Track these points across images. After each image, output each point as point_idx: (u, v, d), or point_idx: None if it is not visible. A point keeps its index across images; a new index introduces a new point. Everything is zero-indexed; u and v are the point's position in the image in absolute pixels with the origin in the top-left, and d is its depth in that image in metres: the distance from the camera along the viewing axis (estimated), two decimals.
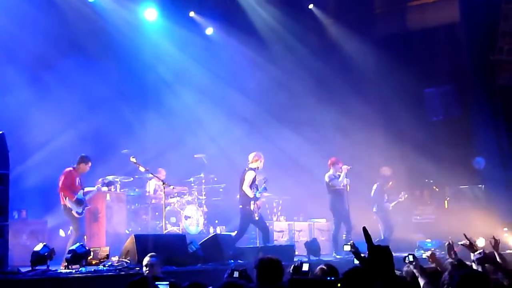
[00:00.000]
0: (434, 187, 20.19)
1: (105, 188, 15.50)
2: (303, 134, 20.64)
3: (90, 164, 14.63)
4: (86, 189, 14.68)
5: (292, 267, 7.63)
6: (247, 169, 15.22)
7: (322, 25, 22.66)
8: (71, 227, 14.89)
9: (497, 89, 19.40)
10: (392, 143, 19.65)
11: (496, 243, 8.74)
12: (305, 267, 7.53)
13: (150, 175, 16.71)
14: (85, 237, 15.05)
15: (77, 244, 12.30)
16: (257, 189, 15.16)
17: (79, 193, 14.22)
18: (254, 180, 15.12)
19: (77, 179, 14.39)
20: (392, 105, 20.63)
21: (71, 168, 14.36)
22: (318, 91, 21.06)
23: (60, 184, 14.14)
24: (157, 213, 17.41)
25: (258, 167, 15.23)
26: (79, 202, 14.15)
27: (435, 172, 19.51)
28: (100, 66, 18.38)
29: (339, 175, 16.73)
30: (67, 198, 14.03)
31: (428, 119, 20.90)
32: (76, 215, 14.10)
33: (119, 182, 17.14)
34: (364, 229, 5.73)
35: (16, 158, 12.97)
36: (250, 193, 14.93)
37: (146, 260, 10.20)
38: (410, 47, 21.44)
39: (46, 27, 17.18)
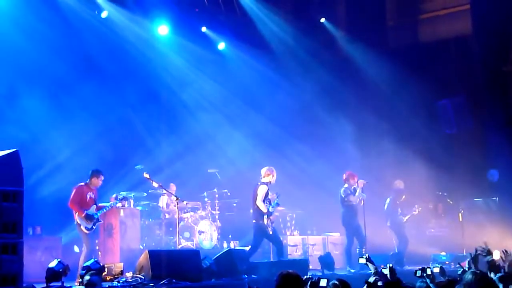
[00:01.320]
0: (448, 200, 20.10)
1: (119, 204, 15.54)
2: (316, 148, 20.63)
3: (102, 177, 14.62)
4: (101, 205, 14.70)
5: (309, 283, 7.57)
6: (259, 183, 15.21)
7: (334, 39, 22.70)
8: None
9: (510, 101, 19.33)
10: (405, 156, 19.61)
11: (506, 255, 8.76)
12: (323, 282, 7.44)
13: (163, 191, 16.75)
14: (99, 253, 15.11)
15: (92, 260, 12.31)
16: (270, 204, 15.15)
17: (90, 209, 14.23)
18: (267, 194, 15.10)
19: (89, 194, 14.38)
20: (405, 118, 20.60)
21: (82, 184, 14.38)
22: (331, 105, 21.05)
23: (69, 199, 14.20)
24: (171, 229, 17.41)
25: (270, 182, 15.21)
26: (89, 217, 14.15)
27: (449, 185, 19.45)
28: (113, 82, 18.50)
29: (355, 190, 16.69)
30: (76, 213, 14.08)
31: (442, 132, 20.85)
32: (85, 230, 14.12)
33: (133, 198, 17.17)
34: None
35: (31, 175, 13.06)
36: (263, 207, 14.92)
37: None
38: (423, 59, 21.40)
39: (59, 44, 17.33)
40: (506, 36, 19.13)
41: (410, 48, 22.06)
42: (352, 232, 16.67)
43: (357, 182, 16.73)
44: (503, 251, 8.95)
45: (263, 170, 15.32)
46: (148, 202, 17.98)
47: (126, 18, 19.26)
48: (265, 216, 14.93)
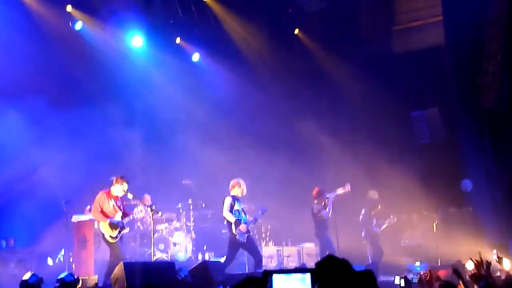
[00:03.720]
0: (422, 210, 20.19)
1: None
2: (291, 158, 20.65)
3: (124, 184, 14.40)
4: (128, 212, 14.51)
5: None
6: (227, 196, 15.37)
7: (308, 50, 22.76)
8: (59, 255, 14.79)
9: (483, 112, 19.45)
10: (379, 167, 19.68)
11: (488, 266, 8.78)
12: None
13: (137, 202, 16.66)
14: (73, 264, 14.99)
15: (66, 273, 12.19)
16: (241, 215, 15.21)
17: (116, 216, 14.10)
18: (231, 205, 15.21)
19: (111, 202, 14.26)
20: (379, 129, 20.68)
21: (103, 191, 14.27)
22: (305, 116, 21.10)
23: (93, 208, 14.09)
24: (145, 240, 17.35)
25: (237, 194, 15.33)
26: (113, 226, 14.02)
27: (423, 195, 19.51)
28: (87, 94, 18.44)
29: (325, 205, 16.91)
30: (99, 222, 13.96)
31: (415, 142, 20.94)
32: (110, 239, 14.00)
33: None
34: None
35: (5, 188, 12.94)
36: (230, 218, 15.09)
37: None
38: (396, 70, 21.43)
39: (34, 56, 17.23)
40: (479, 47, 19.22)
41: (383, 60, 22.13)
42: (324, 245, 16.96)
43: (326, 197, 16.93)
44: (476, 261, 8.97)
45: (231, 183, 15.46)
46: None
47: (100, 29, 19.20)
48: (233, 226, 15.02)
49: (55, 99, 17.72)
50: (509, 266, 11.63)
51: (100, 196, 14.22)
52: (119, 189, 14.35)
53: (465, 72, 19.53)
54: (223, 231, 17.69)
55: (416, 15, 22.28)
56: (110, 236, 14.00)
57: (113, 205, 14.27)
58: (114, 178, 14.40)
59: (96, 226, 15.57)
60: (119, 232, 14.14)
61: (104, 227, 13.96)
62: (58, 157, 17.27)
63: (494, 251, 16.19)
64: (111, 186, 14.40)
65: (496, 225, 18.27)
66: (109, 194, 14.30)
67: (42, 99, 17.49)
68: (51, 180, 16.53)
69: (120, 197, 14.50)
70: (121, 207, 14.42)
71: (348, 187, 17.53)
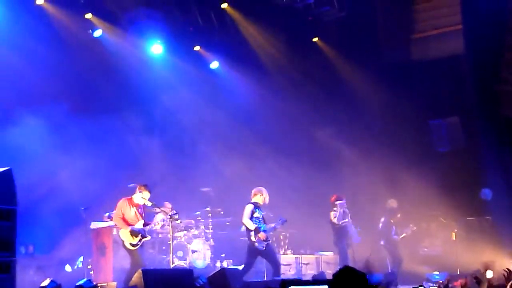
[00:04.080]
0: (442, 219, 20.10)
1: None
2: (310, 167, 20.63)
3: (147, 193, 14.45)
4: (148, 222, 14.57)
5: None
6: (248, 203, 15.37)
7: (326, 58, 22.76)
8: (78, 262, 14.83)
9: (503, 120, 19.38)
10: (398, 175, 19.62)
11: (509, 275, 8.73)
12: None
13: (157, 209, 16.69)
14: (92, 272, 15.02)
15: (84, 280, 12.22)
16: (262, 222, 15.19)
17: (137, 224, 14.15)
18: (252, 212, 15.18)
19: (133, 209, 14.31)
20: (398, 137, 20.66)
21: (125, 198, 14.32)
22: (324, 124, 21.10)
23: (114, 215, 14.16)
24: (164, 247, 17.35)
25: (258, 202, 15.31)
26: (134, 233, 14.06)
27: (442, 203, 19.44)
28: (107, 101, 18.52)
29: (344, 212, 16.92)
30: (120, 229, 14.02)
31: (434, 150, 20.87)
32: (130, 247, 14.04)
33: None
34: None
35: (26, 194, 12.96)
36: (250, 225, 15.06)
37: None
38: (415, 79, 21.43)
39: (54, 64, 17.34)
40: (498, 55, 19.17)
41: (402, 68, 22.10)
42: (340, 254, 17.04)
43: (337, 204, 16.95)
44: (506, 270, 8.94)
45: (253, 190, 15.45)
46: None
47: (120, 37, 19.30)
48: (252, 233, 15.00)
49: (75, 106, 17.78)
50: None
51: (122, 202, 14.27)
52: (140, 197, 14.39)
53: (485, 80, 19.48)
54: (241, 238, 17.68)
55: (436, 23, 22.24)
56: (130, 243, 14.04)
57: (135, 212, 14.31)
58: (137, 186, 14.44)
59: (115, 232, 15.60)
60: (140, 240, 14.16)
61: (124, 234, 14.00)
62: (77, 163, 17.30)
63: None
64: (133, 193, 14.43)
65: None
66: (131, 201, 14.35)
67: (63, 106, 17.52)
68: (71, 186, 16.58)
69: (142, 205, 14.54)
70: (142, 215, 14.46)
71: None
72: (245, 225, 15.25)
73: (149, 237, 14.64)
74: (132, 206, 14.30)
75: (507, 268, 9.00)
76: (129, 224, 14.06)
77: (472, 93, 20.22)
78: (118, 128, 18.54)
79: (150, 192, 14.48)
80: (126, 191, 16.89)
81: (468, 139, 20.32)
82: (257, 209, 15.26)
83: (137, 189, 14.40)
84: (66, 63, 17.87)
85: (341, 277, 5.79)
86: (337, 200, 17.10)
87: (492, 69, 19.31)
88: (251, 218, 15.11)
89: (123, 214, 14.14)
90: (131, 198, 14.34)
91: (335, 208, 17.08)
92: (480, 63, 19.53)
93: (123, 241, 14.00)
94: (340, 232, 17.01)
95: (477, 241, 18.03)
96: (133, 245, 14.04)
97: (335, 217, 16.95)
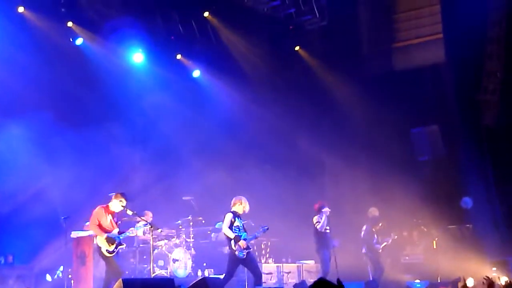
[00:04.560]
0: (422, 227, 20.16)
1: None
2: (291, 175, 20.64)
3: (123, 201, 14.36)
4: (122, 230, 14.51)
5: None
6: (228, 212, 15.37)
7: (309, 67, 22.82)
8: (58, 272, 14.74)
9: (483, 129, 19.49)
10: (381, 184, 19.67)
11: (488, 282, 8.78)
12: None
13: (138, 218, 16.62)
14: (72, 281, 14.94)
15: None
16: (241, 231, 15.15)
17: (113, 231, 14.08)
18: (232, 221, 15.12)
19: (109, 217, 14.23)
20: (380, 146, 20.71)
21: (101, 206, 14.25)
22: (306, 133, 21.13)
23: (90, 222, 14.08)
24: (144, 257, 17.28)
25: (238, 211, 15.26)
26: (110, 240, 13.99)
27: (424, 212, 19.50)
28: (87, 110, 18.47)
29: (326, 219, 16.90)
30: (96, 236, 13.96)
31: (416, 159, 20.94)
32: (106, 254, 13.96)
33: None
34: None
35: (4, 204, 12.92)
36: (230, 234, 14.97)
37: None
38: (397, 87, 21.48)
39: (35, 72, 17.26)
40: (479, 65, 19.31)
41: (384, 77, 22.19)
42: (320, 262, 16.98)
43: (322, 211, 16.92)
44: (485, 278, 8.99)
45: (233, 199, 15.43)
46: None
47: (101, 45, 19.26)
48: (232, 242, 14.96)
49: (57, 114, 17.71)
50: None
51: (99, 210, 14.20)
52: (117, 205, 14.32)
53: (465, 89, 19.61)
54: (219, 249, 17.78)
55: (417, 32, 22.35)
56: (107, 250, 13.97)
57: (110, 220, 14.25)
58: (114, 194, 14.37)
59: (94, 241, 15.57)
60: (116, 247, 14.11)
61: (101, 241, 13.94)
62: (58, 173, 17.26)
63: (494, 268, 16.21)
64: (109, 201, 14.37)
65: (495, 242, 18.29)
66: (107, 209, 14.27)
67: (44, 115, 17.47)
68: (51, 196, 16.51)
69: (116, 214, 14.47)
70: (118, 223, 14.41)
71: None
72: (225, 234, 15.24)
73: (124, 245, 14.56)
74: (108, 214, 14.22)
75: (486, 276, 9.03)
76: (105, 231, 14.01)
77: (453, 102, 20.32)
78: (100, 137, 18.49)
79: (127, 200, 14.41)
80: (107, 200, 16.87)
81: (449, 148, 20.40)
82: (236, 218, 15.21)
83: (114, 197, 14.32)
84: (48, 72, 17.80)
85: None
86: (321, 208, 17.08)
87: (472, 78, 19.44)
88: (231, 227, 15.07)
89: (99, 221, 14.07)
90: (107, 206, 14.27)
91: (318, 215, 17.07)
92: (461, 72, 19.65)
93: (100, 248, 13.93)
94: (322, 240, 16.98)
95: (457, 249, 18.09)
96: (109, 252, 13.98)
97: (318, 223, 16.93)
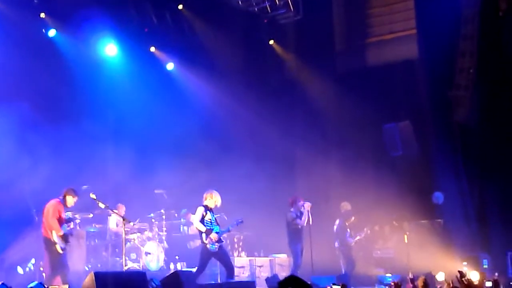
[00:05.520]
0: (394, 222, 20.25)
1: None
2: (264, 169, 20.62)
3: (76, 198, 14.28)
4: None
5: None
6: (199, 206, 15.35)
7: (282, 61, 22.85)
8: (29, 264, 14.61)
9: (455, 125, 19.62)
10: (353, 178, 19.72)
11: (462, 276, 8.85)
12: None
13: (110, 211, 16.56)
14: (43, 274, 14.82)
15: (36, 282, 12.05)
16: (213, 225, 15.14)
17: (63, 228, 13.94)
18: (203, 215, 15.12)
19: (63, 212, 14.10)
20: (353, 141, 20.79)
21: (58, 200, 14.07)
22: (278, 126, 21.15)
23: (48, 215, 13.83)
24: (117, 250, 17.24)
25: (209, 205, 15.25)
26: (65, 237, 13.86)
27: (396, 207, 19.60)
28: (59, 98, 18.32)
29: (301, 213, 16.87)
30: (53, 231, 13.73)
31: (388, 155, 21.03)
32: (59, 250, 13.80)
33: (79, 219, 16.84)
34: None
35: None
36: (201, 227, 15.01)
37: None
38: (370, 83, 21.58)
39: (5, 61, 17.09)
40: (451, 61, 19.42)
41: (357, 72, 22.28)
42: (293, 256, 16.98)
43: (303, 205, 16.91)
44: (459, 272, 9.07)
45: (204, 193, 15.41)
46: (94, 224, 17.82)
47: (74, 37, 19.10)
48: (204, 235, 14.97)
49: (28, 108, 17.50)
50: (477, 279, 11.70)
51: (58, 204, 14.02)
52: (71, 200, 14.22)
53: (438, 85, 19.70)
54: (190, 243, 17.81)
55: (391, 27, 22.43)
56: (61, 247, 13.82)
57: (63, 216, 14.14)
58: (65, 190, 14.22)
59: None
60: (66, 244, 13.99)
61: (58, 237, 13.77)
62: (29, 166, 17.07)
63: (465, 263, 16.34)
64: (60, 196, 14.19)
65: (466, 237, 18.44)
66: (60, 204, 14.12)
67: (16, 107, 17.27)
68: (22, 189, 16.33)
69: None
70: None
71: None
72: (196, 227, 15.25)
73: (68, 244, 14.30)
74: (63, 209, 14.12)
75: (459, 270, 9.11)
76: (62, 227, 13.88)
77: (426, 98, 20.43)
78: (73, 131, 18.32)
79: (78, 196, 14.30)
80: (80, 193, 16.76)
81: (421, 144, 20.51)
82: (208, 212, 15.22)
83: (66, 193, 14.16)
84: (20, 64, 17.59)
85: (285, 286, 5.80)
86: (296, 201, 17.10)
87: (445, 74, 19.54)
88: (202, 220, 15.08)
89: (59, 215, 13.93)
90: (62, 201, 14.13)
91: (292, 209, 17.09)
92: (434, 68, 19.73)
93: (54, 244, 13.73)
94: (294, 234, 17.01)
95: (428, 244, 18.21)
96: (62, 249, 13.86)
97: (292, 218, 16.95)
